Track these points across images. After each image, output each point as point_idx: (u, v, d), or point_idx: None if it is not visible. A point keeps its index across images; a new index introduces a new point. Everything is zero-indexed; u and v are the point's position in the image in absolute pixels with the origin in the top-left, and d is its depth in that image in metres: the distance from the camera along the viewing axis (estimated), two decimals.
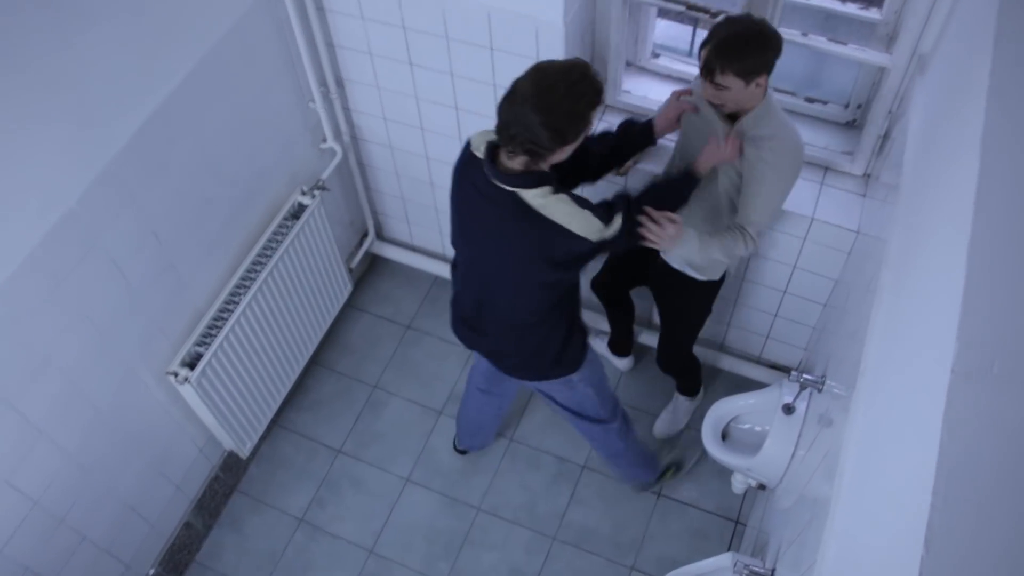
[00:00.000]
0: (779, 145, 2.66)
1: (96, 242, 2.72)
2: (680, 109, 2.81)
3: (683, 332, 3.46)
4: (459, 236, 2.72)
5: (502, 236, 2.54)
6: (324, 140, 3.71)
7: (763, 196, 2.73)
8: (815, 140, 3.16)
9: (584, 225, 2.42)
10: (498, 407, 3.58)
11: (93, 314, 2.81)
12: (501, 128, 2.34)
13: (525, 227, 2.45)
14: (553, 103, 2.26)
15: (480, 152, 2.47)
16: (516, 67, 3.03)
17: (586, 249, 2.48)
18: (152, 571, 3.51)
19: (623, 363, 4.02)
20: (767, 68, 2.54)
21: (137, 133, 2.74)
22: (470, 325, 2.93)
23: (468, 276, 2.80)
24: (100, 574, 3.24)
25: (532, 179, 2.39)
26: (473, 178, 2.50)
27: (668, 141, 3.04)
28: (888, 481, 1.47)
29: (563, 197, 2.41)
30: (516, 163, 2.38)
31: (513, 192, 2.41)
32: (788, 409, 2.98)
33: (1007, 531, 0.92)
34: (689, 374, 3.73)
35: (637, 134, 2.88)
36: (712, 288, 3.16)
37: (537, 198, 2.40)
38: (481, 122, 3.36)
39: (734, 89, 2.54)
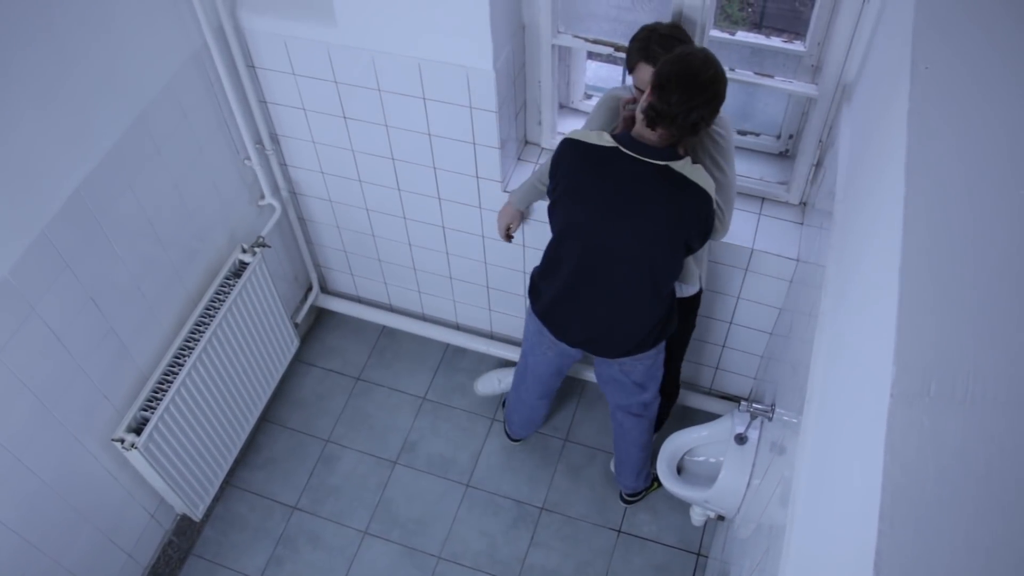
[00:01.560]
0: (723, 119, 2.80)
1: (32, 311, 2.67)
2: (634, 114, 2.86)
3: (677, 349, 3.48)
4: (579, 230, 2.78)
5: (653, 211, 2.66)
6: (262, 197, 3.69)
7: (731, 171, 2.83)
8: (750, 172, 3.22)
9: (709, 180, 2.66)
10: (551, 400, 3.70)
11: (32, 384, 2.75)
12: (661, 113, 2.48)
13: (680, 196, 2.62)
14: (718, 88, 2.49)
15: (604, 141, 2.63)
16: (450, 115, 3.09)
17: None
18: None
19: None
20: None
21: (71, 197, 2.70)
22: (580, 315, 2.98)
23: (588, 266, 2.83)
24: None
25: (675, 152, 2.60)
26: (602, 165, 2.64)
27: None
28: (838, 506, 1.49)
29: (699, 165, 2.65)
30: (658, 140, 2.57)
31: (665, 165, 2.58)
32: (740, 439, 3.01)
33: (953, 550, 0.94)
34: (670, 401, 3.75)
35: None
36: (693, 302, 3.20)
37: (686, 167, 2.59)
38: (419, 172, 3.38)
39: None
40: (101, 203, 2.83)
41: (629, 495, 3.78)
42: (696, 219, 2.65)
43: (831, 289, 2.13)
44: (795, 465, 2.00)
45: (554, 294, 2.96)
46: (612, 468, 3.81)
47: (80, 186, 2.73)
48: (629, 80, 2.83)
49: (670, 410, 3.78)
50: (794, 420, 2.33)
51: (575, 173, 2.69)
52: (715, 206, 2.69)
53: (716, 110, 2.52)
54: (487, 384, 4.11)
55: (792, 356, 2.69)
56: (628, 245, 2.72)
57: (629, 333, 2.97)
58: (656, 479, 3.74)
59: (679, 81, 2.44)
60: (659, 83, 2.45)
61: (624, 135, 2.61)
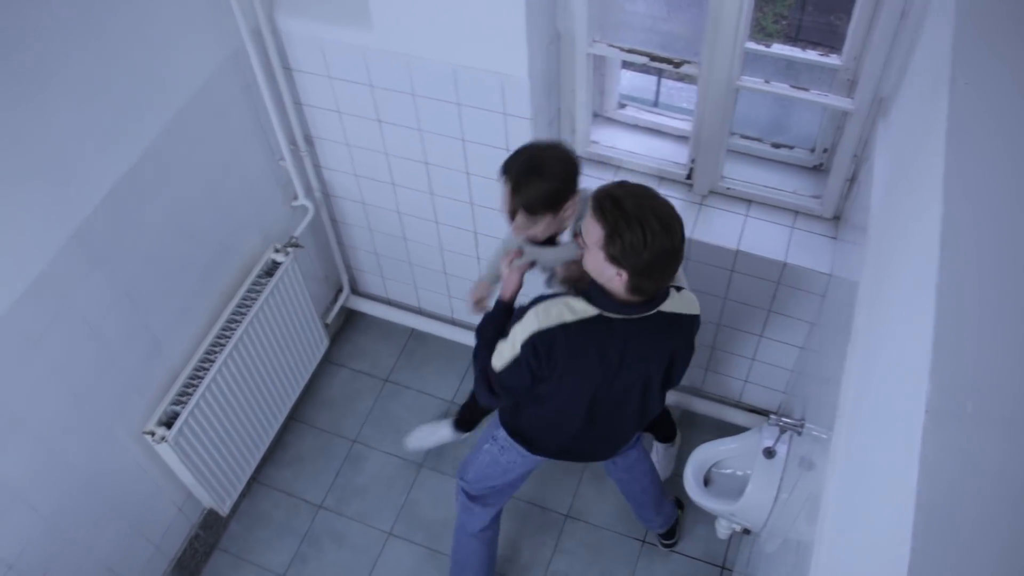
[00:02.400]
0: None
1: (68, 304, 2.71)
2: (521, 271, 2.69)
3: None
4: (587, 399, 2.60)
5: (655, 356, 2.53)
6: (296, 197, 3.72)
7: None
8: (783, 185, 3.21)
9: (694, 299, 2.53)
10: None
11: (67, 375, 2.79)
12: (671, 277, 2.31)
13: (676, 332, 2.49)
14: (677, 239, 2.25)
15: (586, 312, 2.36)
16: (484, 122, 3.10)
17: None
18: None
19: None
20: (574, 187, 2.55)
21: (108, 194, 2.74)
22: (585, 446, 2.88)
23: (595, 417, 2.69)
24: None
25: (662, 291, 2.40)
26: (597, 334, 2.39)
27: None
28: (869, 524, 1.48)
29: (683, 290, 2.50)
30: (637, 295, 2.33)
31: (657, 312, 2.39)
32: (769, 453, 2.99)
33: (987, 572, 0.93)
34: (667, 418, 3.74)
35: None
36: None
37: (674, 303, 2.43)
38: (452, 176, 3.39)
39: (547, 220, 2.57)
40: (137, 200, 2.86)
41: (667, 535, 3.68)
42: (687, 340, 2.58)
43: (865, 305, 2.12)
44: (825, 481, 1.98)
45: (560, 443, 2.86)
46: (636, 517, 3.69)
47: (117, 183, 2.76)
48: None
49: (673, 420, 3.79)
50: (824, 436, 2.32)
51: (575, 357, 2.44)
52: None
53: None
54: (420, 439, 3.98)
55: (823, 371, 2.67)
56: (633, 391, 2.63)
57: (628, 437, 2.96)
58: (681, 505, 3.73)
59: (664, 262, 2.22)
60: (643, 270, 2.21)
61: (602, 299, 2.34)
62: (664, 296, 2.39)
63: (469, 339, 4.27)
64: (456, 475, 3.26)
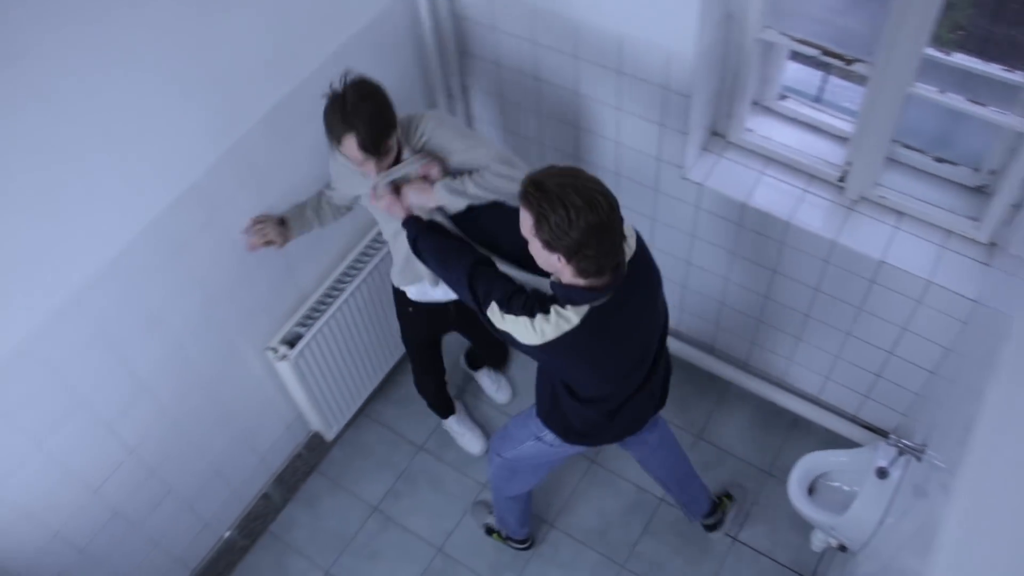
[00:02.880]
0: (431, 123, 2.73)
1: (215, 217, 2.81)
2: (391, 197, 2.69)
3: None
4: (616, 373, 2.59)
5: (652, 309, 2.55)
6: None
7: (483, 149, 2.71)
8: (940, 201, 3.08)
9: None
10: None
11: (205, 283, 2.91)
12: (616, 246, 2.27)
13: (645, 269, 2.49)
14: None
15: (582, 314, 2.32)
16: (642, 93, 3.06)
17: None
18: (228, 533, 3.63)
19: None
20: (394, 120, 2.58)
21: (268, 114, 2.81)
22: (633, 411, 2.83)
23: (635, 374, 2.68)
24: (181, 527, 3.37)
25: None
26: (608, 311, 2.36)
27: None
28: (991, 569, 1.42)
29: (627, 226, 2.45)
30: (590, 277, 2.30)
31: (638, 250, 2.44)
32: (882, 473, 2.91)
33: None
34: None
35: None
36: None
37: (630, 242, 2.44)
38: (600, 143, 3.38)
39: (394, 149, 2.60)
40: (291, 126, 2.94)
41: (711, 517, 3.64)
42: (654, 263, 2.57)
43: (1019, 341, 2.02)
44: (944, 516, 1.92)
45: (606, 423, 2.79)
46: (679, 506, 3.66)
47: (278, 104, 2.83)
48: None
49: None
50: (945, 467, 2.24)
51: (593, 353, 2.44)
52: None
53: None
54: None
55: (955, 402, 2.58)
56: (656, 335, 2.63)
57: (667, 384, 2.93)
58: (726, 494, 3.69)
59: (597, 239, 2.17)
60: (576, 250, 2.17)
61: (583, 296, 2.30)
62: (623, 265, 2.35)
63: None
64: (492, 449, 3.26)
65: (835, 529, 3.09)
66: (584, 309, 2.31)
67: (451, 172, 2.71)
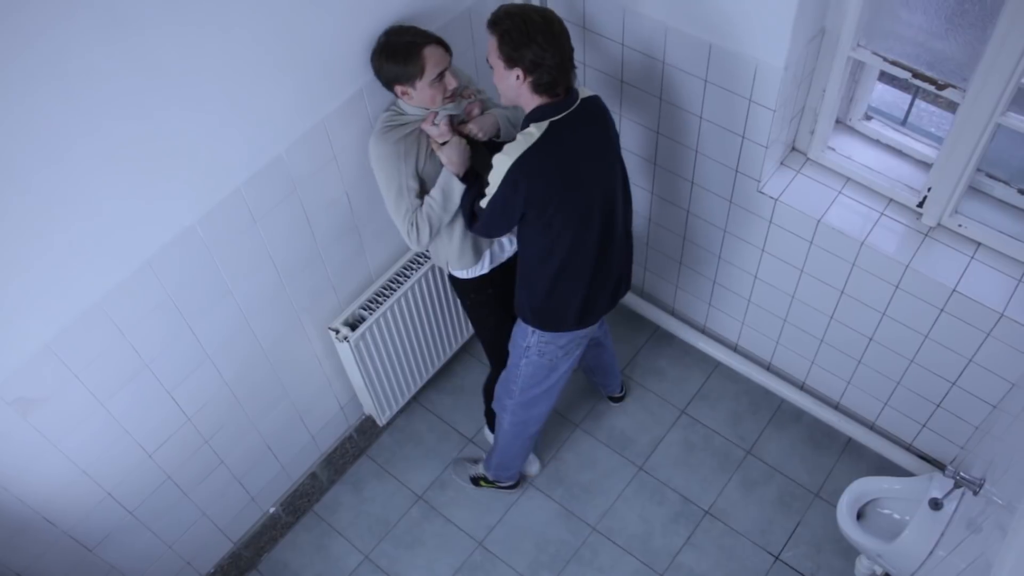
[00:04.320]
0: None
1: (294, 192, 2.84)
2: (448, 126, 2.84)
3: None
4: (587, 215, 2.75)
5: (607, 147, 2.77)
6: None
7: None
8: (1021, 235, 3.02)
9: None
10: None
11: (277, 257, 2.94)
12: (566, 62, 2.56)
13: (601, 115, 2.77)
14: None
15: (538, 130, 2.59)
16: (726, 103, 3.05)
17: None
18: (273, 509, 3.66)
19: None
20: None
21: (353, 96, 2.84)
22: (608, 282, 2.99)
23: (603, 235, 2.83)
24: (228, 499, 3.41)
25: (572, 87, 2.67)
26: (558, 147, 2.62)
27: None
28: None
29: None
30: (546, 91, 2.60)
31: (579, 101, 2.65)
32: (936, 504, 2.87)
33: None
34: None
35: None
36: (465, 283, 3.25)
37: (583, 90, 2.71)
38: (679, 151, 3.37)
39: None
40: (378, 108, 2.94)
41: (619, 392, 4.04)
42: (612, 120, 2.82)
43: None
44: (1000, 555, 1.89)
45: (585, 291, 2.92)
46: (600, 386, 4.01)
47: (363, 87, 2.85)
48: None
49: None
50: (1004, 503, 2.21)
51: (551, 179, 2.64)
52: None
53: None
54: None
55: (1019, 437, 2.54)
56: (615, 185, 2.83)
57: (631, 252, 3.11)
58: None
59: (552, 49, 2.50)
60: (535, 60, 2.49)
61: (538, 112, 2.61)
62: (575, 91, 2.65)
63: (652, 314, 4.26)
64: (496, 404, 3.39)
65: (882, 557, 3.06)
66: (544, 124, 2.59)
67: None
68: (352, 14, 2.66)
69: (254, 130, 2.60)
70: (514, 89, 2.58)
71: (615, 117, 3.46)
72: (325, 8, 2.56)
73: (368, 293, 3.36)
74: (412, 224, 2.85)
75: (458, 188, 2.82)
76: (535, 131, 2.58)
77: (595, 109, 2.73)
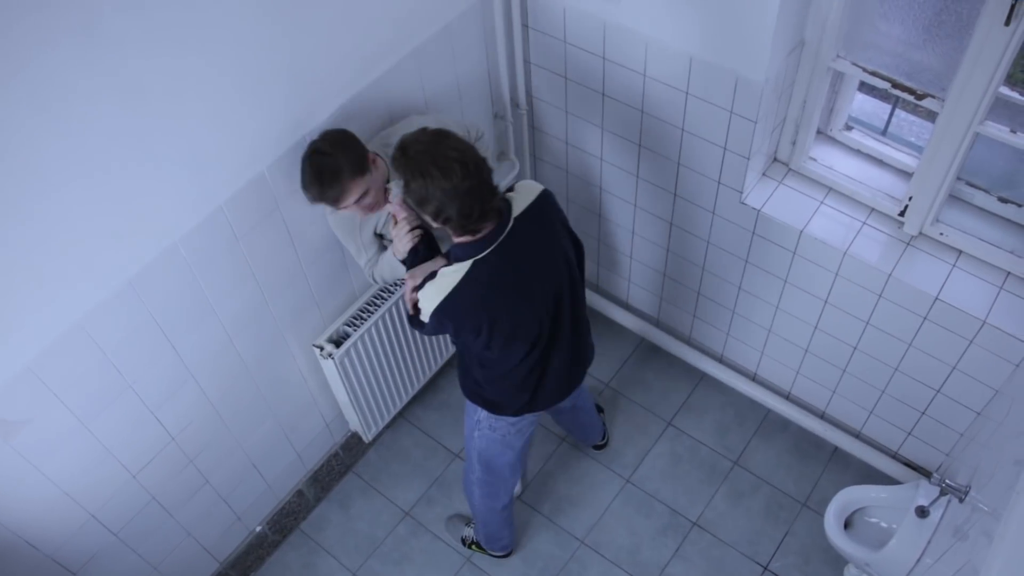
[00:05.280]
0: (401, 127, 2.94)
1: (278, 207, 2.83)
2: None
3: None
4: (531, 325, 2.69)
5: (549, 251, 2.66)
6: (503, 154, 3.76)
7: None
8: (1001, 242, 3.04)
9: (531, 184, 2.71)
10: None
11: (260, 275, 2.93)
12: (476, 209, 2.41)
13: (541, 218, 2.63)
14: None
15: (464, 271, 2.51)
16: (708, 115, 3.06)
17: None
18: (259, 528, 3.64)
19: None
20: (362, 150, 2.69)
21: (337, 112, 2.83)
22: (565, 370, 2.92)
23: (553, 333, 2.78)
24: (213, 518, 3.38)
25: (501, 203, 2.55)
26: (492, 262, 2.52)
27: None
28: None
29: (519, 186, 2.67)
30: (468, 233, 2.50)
31: (512, 218, 2.54)
32: (922, 512, 2.88)
33: None
34: None
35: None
36: None
37: (517, 200, 2.60)
38: (662, 164, 3.38)
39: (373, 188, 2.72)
40: (361, 119, 2.94)
41: (602, 441, 3.97)
42: (558, 215, 2.72)
43: None
44: (986, 562, 1.89)
45: (535, 384, 2.88)
46: (580, 442, 3.96)
47: (345, 104, 2.85)
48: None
49: None
50: (988, 510, 2.22)
51: (484, 306, 2.57)
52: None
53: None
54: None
55: (1003, 444, 2.55)
56: (561, 284, 2.71)
57: (589, 341, 3.05)
58: (600, 408, 3.98)
59: (459, 202, 2.37)
60: (438, 211, 2.39)
61: (461, 250, 2.51)
62: (507, 210, 2.53)
63: (639, 327, 4.26)
64: (464, 481, 3.38)
65: (870, 566, 3.06)
66: (467, 264, 2.50)
67: None
68: (333, 31, 2.65)
69: (236, 147, 2.59)
70: (434, 225, 2.50)
71: (596, 131, 3.49)
72: (305, 25, 2.56)
73: (352, 310, 3.35)
74: (369, 275, 3.01)
75: (401, 270, 2.83)
76: (455, 272, 2.51)
77: (533, 222, 2.60)
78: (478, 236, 2.48)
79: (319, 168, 2.63)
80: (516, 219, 2.54)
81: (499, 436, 3.07)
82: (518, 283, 2.58)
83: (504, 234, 2.51)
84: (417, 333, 3.62)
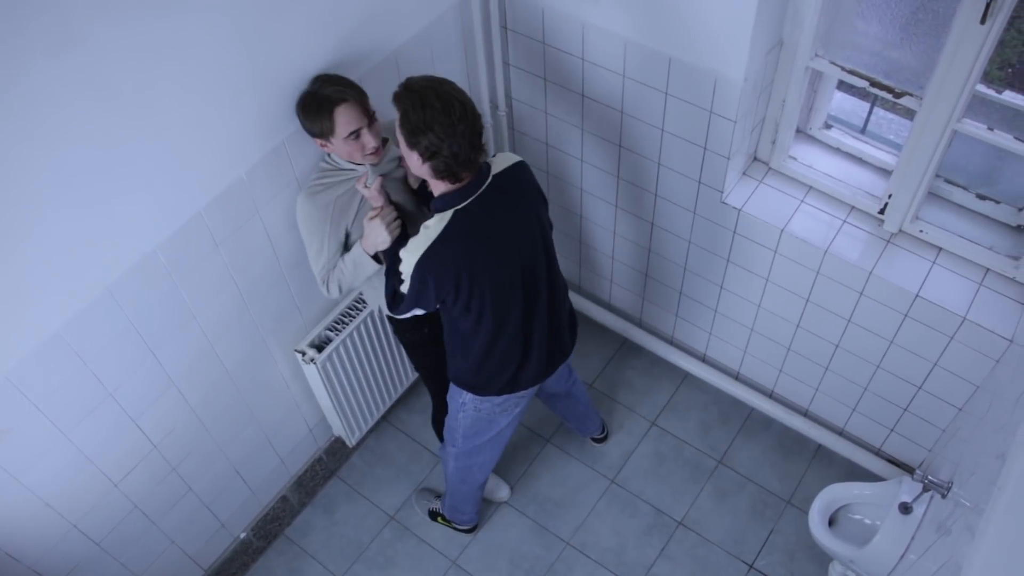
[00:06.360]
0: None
1: (257, 213, 2.81)
2: (379, 189, 2.76)
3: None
4: (507, 286, 2.70)
5: (525, 220, 2.67)
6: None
7: None
8: (980, 239, 3.06)
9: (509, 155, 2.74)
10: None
11: (241, 281, 2.91)
12: (467, 150, 2.42)
13: (518, 184, 2.66)
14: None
15: (444, 220, 2.52)
16: (688, 116, 3.06)
17: None
18: (243, 534, 3.62)
19: None
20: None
21: None
22: (544, 347, 2.93)
23: (530, 303, 2.79)
24: (197, 526, 3.37)
25: (484, 162, 2.59)
26: (472, 215, 2.54)
27: None
28: None
29: (500, 153, 2.70)
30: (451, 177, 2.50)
31: (491, 177, 2.57)
32: (905, 508, 2.89)
33: None
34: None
35: None
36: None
37: (497, 162, 2.63)
38: (642, 164, 3.38)
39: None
40: None
41: (601, 434, 3.97)
42: (535, 187, 2.74)
43: None
44: (968, 557, 1.90)
45: (515, 364, 2.89)
46: (578, 431, 3.92)
47: None
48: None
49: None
50: (970, 505, 2.22)
51: (465, 262, 2.56)
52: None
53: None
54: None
55: (985, 439, 2.56)
56: (536, 255, 2.73)
57: (572, 315, 3.07)
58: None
59: (451, 137, 2.37)
60: (430, 147, 2.39)
61: (444, 200, 2.52)
62: (487, 168, 2.56)
63: (621, 327, 4.26)
64: (443, 448, 3.37)
65: (854, 562, 3.07)
66: (448, 215, 2.51)
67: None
68: (310, 36, 2.64)
69: (214, 153, 2.58)
70: (417, 168, 2.48)
71: (576, 132, 3.48)
72: (282, 31, 2.54)
73: (334, 314, 3.34)
74: (323, 281, 2.92)
75: (370, 266, 2.82)
76: (437, 223, 2.51)
77: (510, 182, 2.63)
78: (457, 184, 2.50)
79: (327, 82, 2.65)
80: (495, 176, 2.58)
81: (484, 415, 3.08)
82: (496, 239, 2.61)
83: (484, 186, 2.53)
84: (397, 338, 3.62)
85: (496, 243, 2.60)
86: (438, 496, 3.82)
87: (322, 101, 2.60)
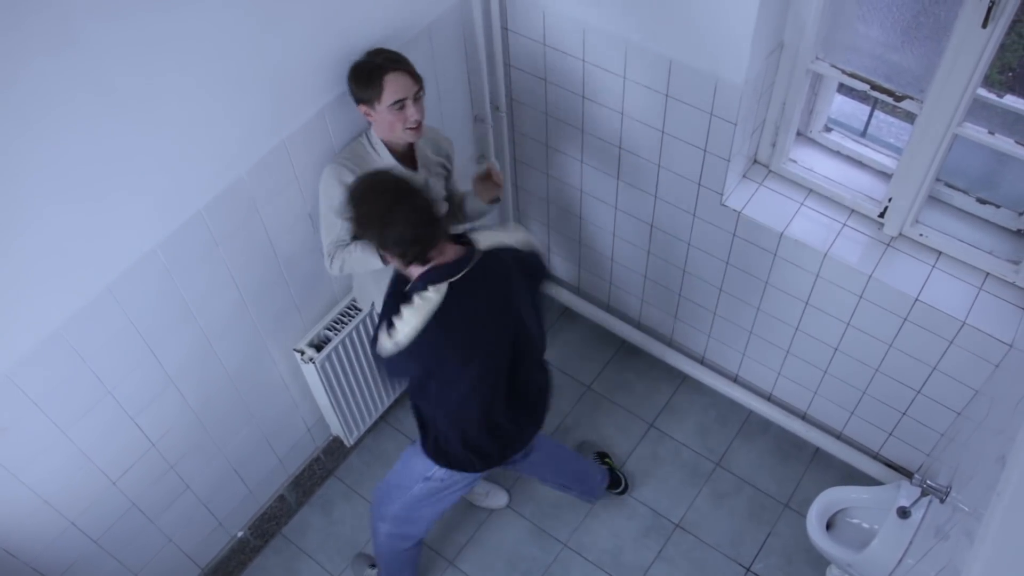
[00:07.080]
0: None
1: (257, 211, 2.81)
2: None
3: None
4: (479, 366, 2.65)
5: (508, 302, 2.63)
6: (482, 156, 3.76)
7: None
8: (980, 243, 3.06)
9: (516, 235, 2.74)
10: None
11: (240, 280, 2.91)
12: (421, 219, 2.41)
13: (504, 265, 2.61)
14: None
15: (438, 292, 2.47)
16: (688, 118, 3.07)
17: None
18: (241, 533, 3.62)
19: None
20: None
21: (316, 114, 2.82)
22: (522, 421, 2.92)
23: (512, 377, 2.75)
24: (195, 524, 3.36)
25: (467, 245, 2.57)
26: (464, 292, 2.50)
27: None
28: None
29: (485, 231, 2.65)
30: (452, 245, 2.54)
31: (479, 255, 2.54)
32: (904, 512, 2.89)
33: None
34: None
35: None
36: None
37: (483, 240, 2.59)
38: (642, 166, 3.38)
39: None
40: (342, 123, 2.93)
41: (615, 487, 3.81)
42: (521, 264, 2.69)
43: None
44: (967, 562, 1.90)
45: (494, 436, 2.86)
46: (580, 497, 3.75)
47: (325, 105, 2.83)
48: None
49: None
50: (969, 510, 2.22)
51: (451, 350, 2.55)
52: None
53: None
54: None
55: (983, 444, 2.56)
56: (522, 329, 2.70)
57: (546, 394, 3.01)
58: (606, 456, 3.88)
59: (386, 223, 2.39)
60: (381, 239, 2.42)
61: (435, 273, 2.48)
62: (467, 242, 2.55)
63: (621, 329, 4.26)
64: (374, 510, 3.24)
65: (852, 566, 3.07)
66: (444, 286, 2.46)
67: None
68: (312, 35, 2.64)
69: (214, 152, 2.58)
70: (394, 263, 2.53)
71: (576, 134, 3.49)
72: (284, 29, 2.55)
73: (333, 314, 3.34)
74: (330, 255, 2.93)
75: (375, 263, 2.80)
76: (434, 295, 2.46)
77: (495, 264, 2.58)
78: (444, 259, 2.48)
79: (364, 63, 2.72)
80: (480, 259, 2.54)
81: (446, 487, 3.00)
82: (480, 325, 2.58)
83: (471, 263, 2.51)
84: None
85: (482, 318, 2.58)
86: (372, 564, 3.66)
87: (374, 68, 2.68)
